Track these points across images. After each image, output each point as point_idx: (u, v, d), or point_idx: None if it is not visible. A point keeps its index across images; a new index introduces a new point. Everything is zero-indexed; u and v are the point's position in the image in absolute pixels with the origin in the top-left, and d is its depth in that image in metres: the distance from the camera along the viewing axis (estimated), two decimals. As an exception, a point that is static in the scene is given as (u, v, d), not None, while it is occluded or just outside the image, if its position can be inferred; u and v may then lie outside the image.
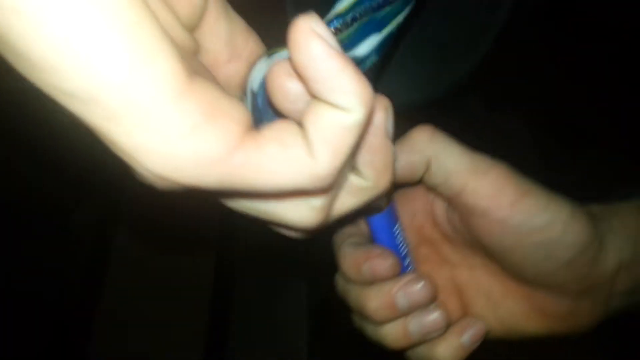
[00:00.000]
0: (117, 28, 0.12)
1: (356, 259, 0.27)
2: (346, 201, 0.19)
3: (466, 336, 0.28)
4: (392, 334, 0.27)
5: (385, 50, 0.24)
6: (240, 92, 0.22)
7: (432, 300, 0.27)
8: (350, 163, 0.18)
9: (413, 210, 0.31)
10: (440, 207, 0.29)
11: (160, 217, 1.37)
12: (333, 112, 0.15)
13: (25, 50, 0.12)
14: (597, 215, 0.28)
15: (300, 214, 0.18)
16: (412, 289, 0.26)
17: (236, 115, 0.15)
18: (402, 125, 0.24)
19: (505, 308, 0.29)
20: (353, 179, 0.19)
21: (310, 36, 0.15)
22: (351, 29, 0.23)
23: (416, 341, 0.27)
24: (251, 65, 0.21)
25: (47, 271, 1.20)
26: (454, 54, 0.41)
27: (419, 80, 0.41)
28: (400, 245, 0.29)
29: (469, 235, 0.28)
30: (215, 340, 1.21)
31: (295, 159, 0.15)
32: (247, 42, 0.22)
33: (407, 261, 0.30)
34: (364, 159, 0.19)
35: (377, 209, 0.28)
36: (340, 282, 0.29)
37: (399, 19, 0.24)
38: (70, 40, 0.12)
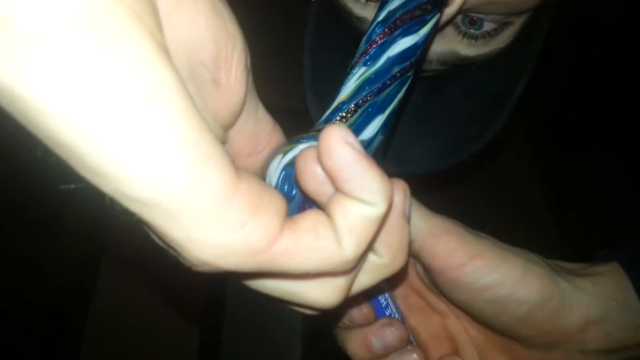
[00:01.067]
0: (183, 147, 0.14)
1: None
2: (363, 279, 0.21)
3: None
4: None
5: (390, 126, 0.26)
6: None
7: (404, 342, 0.29)
8: (371, 246, 0.20)
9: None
10: (417, 266, 0.32)
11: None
12: (359, 206, 0.18)
13: (99, 167, 0.14)
14: (565, 271, 0.30)
15: (323, 294, 0.19)
16: (384, 333, 0.29)
17: (274, 207, 0.17)
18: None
19: (491, 358, 0.32)
20: (370, 257, 0.21)
21: (341, 144, 0.17)
22: (356, 115, 0.24)
23: None
24: (267, 160, 0.23)
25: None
26: (471, 128, 0.42)
27: (435, 152, 0.43)
28: (380, 297, 0.31)
29: (436, 289, 0.31)
30: (210, 341, 1.21)
31: (325, 248, 0.17)
32: (269, 140, 0.24)
33: (388, 311, 0.31)
34: (381, 238, 0.20)
35: None
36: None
37: (400, 96, 0.25)
38: (143, 159, 0.14)
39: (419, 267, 0.32)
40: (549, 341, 0.30)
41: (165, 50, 0.15)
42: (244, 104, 0.21)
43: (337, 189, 0.18)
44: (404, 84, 0.26)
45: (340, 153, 0.17)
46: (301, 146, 0.22)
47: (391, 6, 0.26)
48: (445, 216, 0.30)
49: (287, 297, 0.19)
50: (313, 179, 0.19)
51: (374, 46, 0.25)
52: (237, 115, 0.22)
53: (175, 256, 0.17)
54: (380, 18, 0.26)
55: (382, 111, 0.25)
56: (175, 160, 0.14)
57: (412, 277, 0.33)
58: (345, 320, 0.30)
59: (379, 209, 0.18)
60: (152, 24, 0.15)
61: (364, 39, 0.26)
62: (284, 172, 0.22)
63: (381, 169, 0.18)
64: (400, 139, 0.42)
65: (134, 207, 0.15)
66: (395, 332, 0.29)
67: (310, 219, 0.18)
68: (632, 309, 0.30)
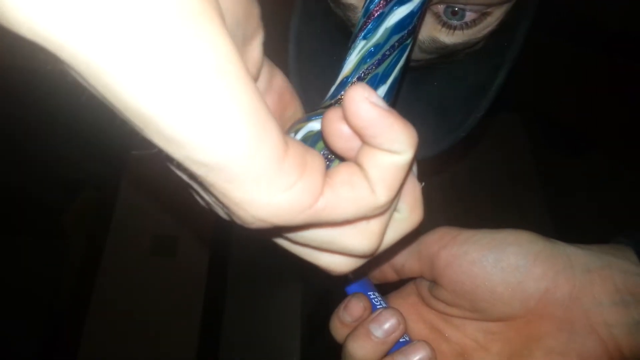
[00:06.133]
0: (247, 114, 0.16)
1: (336, 311, 0.32)
2: (389, 235, 0.22)
3: None
4: None
5: (393, 94, 0.26)
6: None
7: (403, 328, 0.31)
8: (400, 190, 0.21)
9: (408, 304, 0.35)
10: (424, 288, 0.34)
11: (154, 220, 1.38)
12: (388, 156, 0.19)
13: (174, 135, 0.15)
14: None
15: (360, 239, 0.21)
16: (383, 319, 0.30)
17: (317, 167, 0.18)
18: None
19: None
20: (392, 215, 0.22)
21: (365, 104, 0.18)
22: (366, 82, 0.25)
23: None
24: None
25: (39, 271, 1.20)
26: (454, 118, 0.43)
27: (419, 140, 0.44)
28: (378, 303, 0.33)
29: (449, 293, 0.32)
30: (208, 343, 1.20)
31: (361, 196, 0.19)
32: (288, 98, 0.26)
33: (379, 306, 0.33)
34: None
35: (347, 280, 0.33)
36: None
37: (400, 64, 0.26)
38: (213, 126, 0.15)
39: (425, 292, 0.34)
40: (565, 311, 0.30)
41: (224, 24, 0.16)
42: (263, 59, 0.23)
43: (365, 143, 0.19)
44: (404, 52, 0.26)
45: (365, 113, 0.18)
46: (311, 124, 0.23)
47: None
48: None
49: (327, 245, 0.21)
50: (340, 137, 0.20)
51: (372, 19, 0.26)
52: (260, 71, 0.23)
53: (228, 215, 0.19)
54: None
55: (384, 81, 0.25)
56: (240, 126, 0.16)
57: (423, 312, 0.35)
58: (345, 315, 0.31)
59: (406, 156, 0.19)
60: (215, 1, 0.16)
61: (362, 12, 0.26)
62: None
63: (403, 119, 0.19)
64: None
65: (201, 171, 0.16)
66: (394, 317, 0.31)
67: (344, 172, 0.19)
68: (634, 260, 0.30)
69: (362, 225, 0.21)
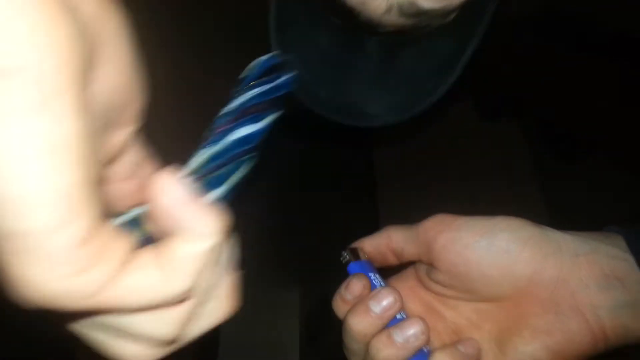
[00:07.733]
0: (65, 194, 0.15)
1: (338, 291, 0.34)
2: (198, 323, 0.22)
3: (462, 347, 0.33)
4: (380, 347, 0.32)
5: (236, 192, 0.26)
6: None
7: (400, 305, 0.33)
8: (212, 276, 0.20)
9: (407, 286, 0.37)
10: (422, 272, 0.37)
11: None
12: (185, 244, 0.18)
13: None
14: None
15: (158, 325, 0.20)
16: (381, 296, 0.33)
17: (118, 255, 0.17)
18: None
19: (508, 340, 0.34)
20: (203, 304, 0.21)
21: (171, 187, 0.18)
22: (200, 183, 0.25)
23: (404, 355, 0.32)
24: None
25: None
26: (427, 85, 0.45)
27: (393, 107, 0.46)
28: (377, 283, 0.35)
29: (445, 275, 0.34)
30: (208, 343, 1.20)
31: (153, 285, 0.18)
32: (145, 166, 0.26)
33: (378, 285, 0.35)
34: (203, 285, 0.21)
35: (347, 261, 0.36)
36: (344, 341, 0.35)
37: (236, 177, 0.26)
38: (15, 193, 0.14)
39: (422, 275, 0.36)
40: (552, 293, 0.31)
41: (84, 105, 0.16)
42: (127, 147, 0.23)
43: (169, 230, 0.19)
44: (240, 166, 0.26)
45: (169, 196, 0.18)
46: (134, 211, 0.23)
47: (234, 104, 0.27)
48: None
49: (123, 331, 0.20)
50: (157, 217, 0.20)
51: (218, 132, 0.26)
52: (118, 157, 0.23)
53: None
54: (224, 112, 0.27)
55: (219, 185, 0.26)
56: (53, 203, 0.15)
57: (420, 293, 0.37)
58: (347, 293, 0.34)
59: (204, 245, 0.19)
60: (83, 82, 0.16)
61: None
62: None
63: (208, 207, 0.19)
64: (360, 97, 0.46)
65: None
66: (391, 295, 0.33)
67: (141, 258, 0.18)
68: (622, 247, 0.31)
69: (161, 311, 0.19)
